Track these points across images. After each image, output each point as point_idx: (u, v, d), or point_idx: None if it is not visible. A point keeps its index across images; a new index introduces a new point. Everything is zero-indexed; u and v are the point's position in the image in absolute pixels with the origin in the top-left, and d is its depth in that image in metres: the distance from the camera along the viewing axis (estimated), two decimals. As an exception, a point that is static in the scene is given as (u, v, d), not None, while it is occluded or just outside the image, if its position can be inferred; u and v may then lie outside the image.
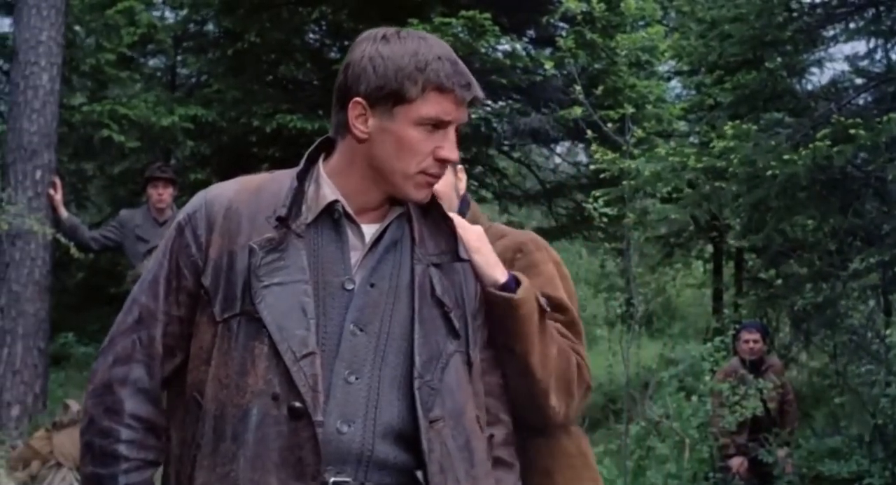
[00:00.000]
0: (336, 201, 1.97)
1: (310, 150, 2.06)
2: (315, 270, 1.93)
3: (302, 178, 2.01)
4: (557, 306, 2.33)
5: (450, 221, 2.09)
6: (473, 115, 9.58)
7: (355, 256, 1.98)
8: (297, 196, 1.98)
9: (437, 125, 1.94)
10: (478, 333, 2.09)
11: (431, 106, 1.92)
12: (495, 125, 10.67)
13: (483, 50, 9.34)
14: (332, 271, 1.94)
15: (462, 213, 2.43)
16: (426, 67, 1.91)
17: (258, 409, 1.85)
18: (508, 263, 2.29)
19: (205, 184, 10.69)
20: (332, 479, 1.84)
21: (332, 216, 1.98)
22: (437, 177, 1.97)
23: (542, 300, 2.20)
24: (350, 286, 1.94)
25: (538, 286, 2.26)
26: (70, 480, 7.11)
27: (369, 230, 1.99)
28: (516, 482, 2.17)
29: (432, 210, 2.08)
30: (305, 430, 1.83)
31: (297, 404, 1.83)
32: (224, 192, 2.02)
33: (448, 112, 1.93)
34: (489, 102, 11.00)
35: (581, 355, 2.33)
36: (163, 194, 7.74)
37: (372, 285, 1.96)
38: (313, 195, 1.99)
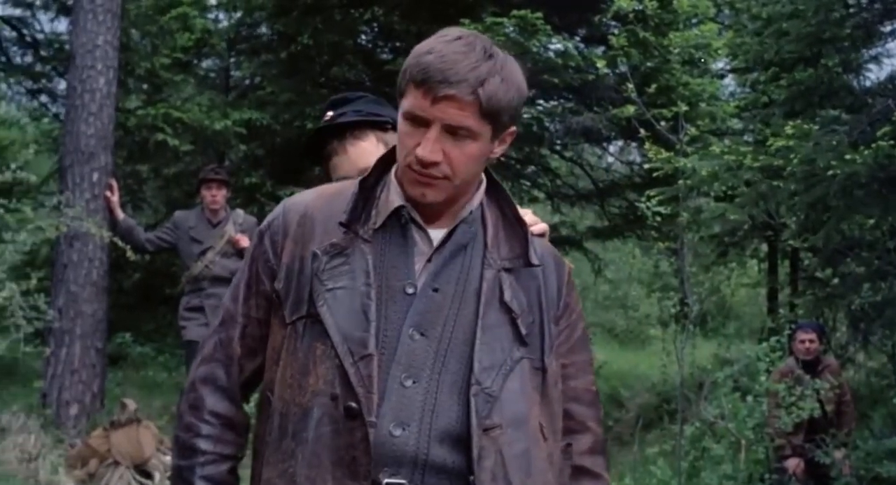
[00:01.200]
0: (402, 207, 1.99)
1: (384, 154, 2.07)
2: (380, 275, 1.95)
3: (372, 183, 2.04)
4: None
5: (524, 226, 2.06)
6: (525, 115, 9.55)
7: (421, 261, 1.98)
8: (364, 202, 2.01)
9: (417, 121, 1.92)
10: (559, 338, 2.06)
11: (408, 100, 1.92)
12: (547, 124, 10.65)
13: (535, 49, 9.32)
14: (396, 276, 1.96)
15: None
16: (413, 61, 1.92)
17: (318, 408, 1.89)
18: None
19: (258, 186, 10.81)
20: (387, 480, 1.85)
21: (399, 221, 2.00)
22: (421, 175, 1.93)
23: None
24: (411, 290, 1.95)
25: None
26: (127, 478, 7.19)
27: (437, 235, 2.00)
28: None
29: (508, 214, 2.07)
30: (359, 430, 1.85)
31: (353, 405, 1.86)
32: (302, 199, 2.09)
33: (421, 107, 1.90)
34: (541, 102, 10.98)
35: None
36: (216, 196, 7.80)
37: (435, 290, 1.96)
38: (384, 200, 2.02)
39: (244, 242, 7.47)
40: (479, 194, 2.05)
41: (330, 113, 2.66)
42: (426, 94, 1.89)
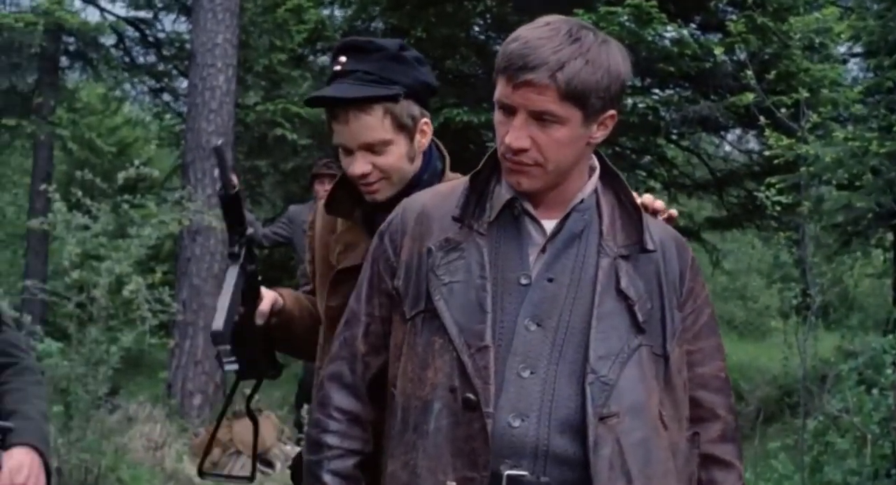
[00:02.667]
0: (514, 199, 1.99)
1: (494, 147, 2.07)
2: (495, 267, 1.96)
3: (485, 177, 2.05)
4: None
5: (639, 212, 2.04)
6: (641, 104, 9.45)
7: (535, 252, 1.98)
8: (477, 196, 2.03)
9: (506, 109, 1.93)
10: (683, 324, 2.03)
11: (497, 89, 1.94)
12: (663, 114, 10.49)
13: (650, 38, 9.18)
14: (510, 267, 1.97)
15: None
16: (500, 50, 1.93)
17: (437, 401, 1.91)
18: None
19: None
20: (508, 472, 1.86)
21: (513, 213, 2.00)
22: (513, 163, 1.94)
23: None
24: (525, 281, 1.95)
25: None
26: (249, 467, 7.34)
27: (550, 225, 2.00)
28: (735, 483, 2.07)
29: (624, 200, 2.05)
30: (477, 421, 1.86)
31: (471, 396, 1.87)
32: (419, 198, 2.12)
33: (506, 95, 1.91)
34: (657, 91, 10.84)
35: None
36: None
37: (550, 280, 1.95)
38: (497, 193, 2.03)
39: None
40: (592, 182, 2.03)
41: (343, 58, 2.43)
42: (509, 81, 1.90)
